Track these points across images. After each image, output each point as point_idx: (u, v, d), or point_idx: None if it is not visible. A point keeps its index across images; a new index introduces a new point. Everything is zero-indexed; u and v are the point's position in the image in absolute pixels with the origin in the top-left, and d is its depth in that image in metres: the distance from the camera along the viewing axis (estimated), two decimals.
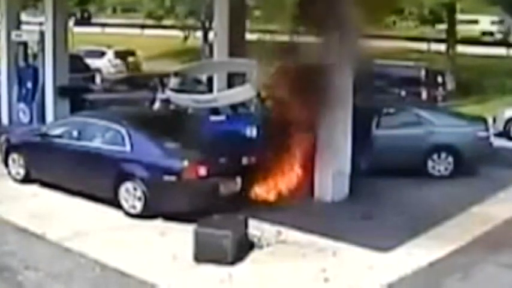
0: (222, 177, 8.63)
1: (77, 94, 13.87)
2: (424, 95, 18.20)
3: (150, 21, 33.30)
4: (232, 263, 7.16)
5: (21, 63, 13.99)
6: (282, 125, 9.28)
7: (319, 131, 9.38)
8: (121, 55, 25.99)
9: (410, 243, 7.87)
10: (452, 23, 24.93)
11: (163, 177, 8.47)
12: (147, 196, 8.57)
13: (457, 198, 9.77)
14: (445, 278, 6.98)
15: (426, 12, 25.69)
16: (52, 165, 9.76)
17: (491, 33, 33.39)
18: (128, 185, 8.73)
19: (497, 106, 17.31)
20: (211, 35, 23.79)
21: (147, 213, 8.63)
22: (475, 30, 31.75)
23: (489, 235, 8.35)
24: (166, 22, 31.71)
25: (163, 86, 14.08)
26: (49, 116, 13.16)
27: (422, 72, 19.00)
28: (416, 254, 7.51)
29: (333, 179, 9.45)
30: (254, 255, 7.50)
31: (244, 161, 9.06)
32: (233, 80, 12.87)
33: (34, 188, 9.93)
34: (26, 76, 13.77)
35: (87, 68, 19.69)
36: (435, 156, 11.16)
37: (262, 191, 9.24)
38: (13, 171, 10.28)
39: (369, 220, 8.62)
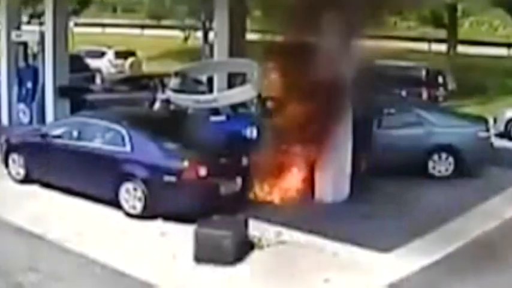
0: (222, 177, 8.62)
1: (77, 94, 13.84)
2: (424, 95, 18.14)
3: (150, 22, 33.27)
4: (233, 263, 7.15)
5: (21, 64, 13.94)
6: (282, 126, 9.26)
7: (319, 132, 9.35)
8: (121, 55, 25.93)
9: (411, 244, 7.85)
10: (453, 23, 24.89)
11: (163, 177, 8.46)
12: (147, 196, 8.56)
13: (458, 199, 9.75)
14: (445, 278, 6.97)
15: (427, 12, 25.64)
16: (52, 165, 9.73)
17: None
18: (128, 185, 8.71)
19: (498, 106, 17.28)
20: (211, 35, 23.76)
21: (147, 214, 8.61)
22: None
23: (490, 236, 8.33)
24: (167, 22, 31.67)
25: (164, 86, 14.07)
26: (49, 117, 13.12)
27: (423, 73, 18.93)
28: (417, 254, 7.49)
29: (333, 180, 9.43)
30: (254, 255, 7.48)
31: (244, 161, 9.05)
32: (233, 80, 12.86)
33: (34, 189, 9.90)
34: (26, 76, 13.72)
35: (87, 68, 19.61)
36: (436, 157, 11.13)
37: (262, 191, 9.23)
38: (13, 172, 10.25)
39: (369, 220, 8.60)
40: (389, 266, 7.23)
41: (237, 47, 13.24)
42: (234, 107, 11.88)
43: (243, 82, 11.36)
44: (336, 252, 7.55)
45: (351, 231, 8.05)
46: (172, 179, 8.40)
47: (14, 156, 10.23)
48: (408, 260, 7.37)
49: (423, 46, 27.27)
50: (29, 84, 13.62)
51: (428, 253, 7.51)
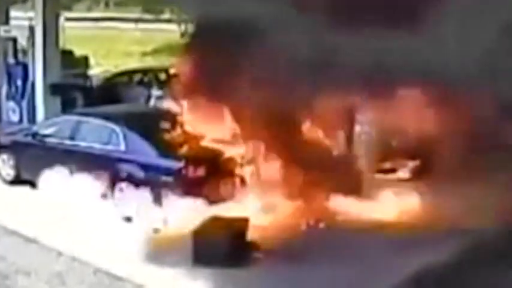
0: (220, 177, 8.40)
1: (69, 92, 13.63)
2: None
3: (145, 16, 33.04)
4: (232, 264, 7.02)
5: (11, 60, 13.74)
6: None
7: None
8: None
9: None
10: None
11: (159, 177, 8.32)
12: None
13: None
14: None
15: None
16: (44, 166, 9.49)
17: None
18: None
19: None
20: None
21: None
22: None
23: None
24: (163, 16, 31.39)
25: (159, 82, 13.95)
26: (40, 115, 12.97)
27: None
28: None
29: None
30: (254, 256, 7.29)
31: None
32: None
33: (25, 190, 9.73)
34: (15, 73, 13.53)
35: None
36: None
37: None
38: (3, 173, 10.15)
39: None
40: None
41: None
42: None
43: None
44: None
45: None
46: (169, 178, 8.25)
47: (3, 156, 10.16)
48: None
49: None
50: (19, 82, 13.42)
51: None
